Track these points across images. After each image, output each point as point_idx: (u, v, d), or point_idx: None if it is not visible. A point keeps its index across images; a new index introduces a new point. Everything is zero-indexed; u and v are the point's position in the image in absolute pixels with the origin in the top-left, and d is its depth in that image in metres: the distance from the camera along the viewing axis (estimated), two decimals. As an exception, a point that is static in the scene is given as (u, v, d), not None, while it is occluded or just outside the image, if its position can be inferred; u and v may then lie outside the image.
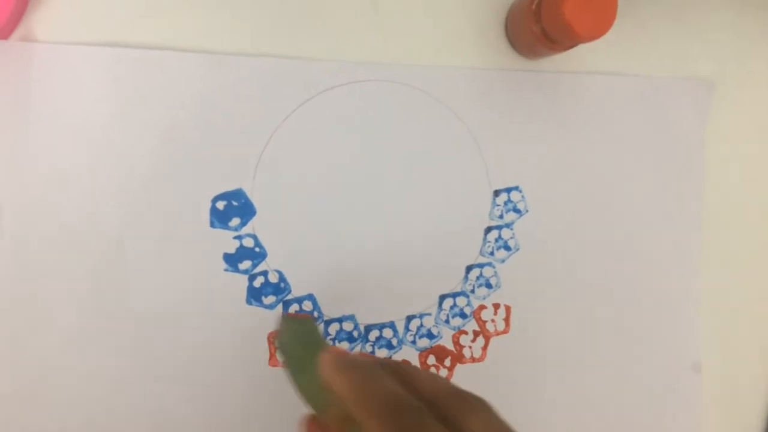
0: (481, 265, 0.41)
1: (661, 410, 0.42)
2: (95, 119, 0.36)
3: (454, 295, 0.41)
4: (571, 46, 0.36)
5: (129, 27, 0.37)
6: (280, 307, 0.38)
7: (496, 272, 0.41)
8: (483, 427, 0.22)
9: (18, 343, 0.36)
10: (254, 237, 0.38)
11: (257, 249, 0.38)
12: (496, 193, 0.41)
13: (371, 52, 0.39)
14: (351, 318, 0.39)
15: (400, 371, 0.25)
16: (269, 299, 0.38)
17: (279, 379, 0.38)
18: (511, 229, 0.41)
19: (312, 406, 0.27)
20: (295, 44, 0.38)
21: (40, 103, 0.35)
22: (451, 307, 0.40)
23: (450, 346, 0.41)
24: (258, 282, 0.38)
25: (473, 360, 0.41)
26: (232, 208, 0.38)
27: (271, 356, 0.38)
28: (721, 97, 0.43)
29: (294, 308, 0.39)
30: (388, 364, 0.25)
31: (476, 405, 0.23)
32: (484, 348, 0.41)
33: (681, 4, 0.43)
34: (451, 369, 0.40)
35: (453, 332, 0.41)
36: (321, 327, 0.37)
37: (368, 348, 0.39)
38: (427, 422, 0.22)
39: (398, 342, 0.40)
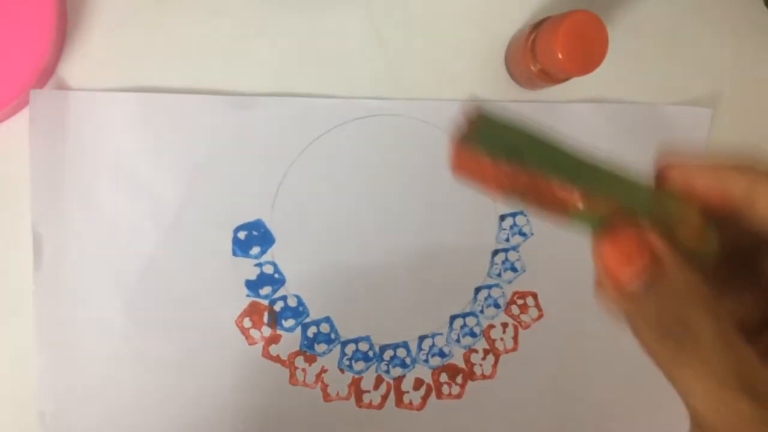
0: (489, 287, 0.43)
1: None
2: (127, 160, 0.39)
3: (464, 315, 0.43)
4: (567, 79, 0.38)
5: (157, 73, 0.40)
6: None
7: (503, 293, 0.43)
8: None
9: (56, 369, 0.39)
10: (274, 264, 0.41)
11: (276, 275, 0.41)
12: (502, 217, 0.43)
13: (380, 89, 0.41)
14: (366, 339, 0.42)
15: None
16: (289, 322, 0.41)
17: (303, 400, 0.41)
18: (517, 252, 0.43)
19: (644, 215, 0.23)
20: (309, 83, 0.41)
21: (75, 147, 0.39)
22: (462, 327, 0.43)
23: (461, 364, 0.43)
24: (278, 306, 0.41)
25: (484, 377, 0.43)
26: (252, 238, 0.40)
27: (291, 375, 0.41)
28: (719, 121, 0.45)
29: (312, 330, 0.41)
30: None
31: None
32: (494, 365, 0.43)
33: (674, 31, 0.44)
34: (462, 386, 0.42)
35: (464, 351, 0.43)
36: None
37: (383, 367, 0.42)
38: None
39: (411, 361, 0.42)
